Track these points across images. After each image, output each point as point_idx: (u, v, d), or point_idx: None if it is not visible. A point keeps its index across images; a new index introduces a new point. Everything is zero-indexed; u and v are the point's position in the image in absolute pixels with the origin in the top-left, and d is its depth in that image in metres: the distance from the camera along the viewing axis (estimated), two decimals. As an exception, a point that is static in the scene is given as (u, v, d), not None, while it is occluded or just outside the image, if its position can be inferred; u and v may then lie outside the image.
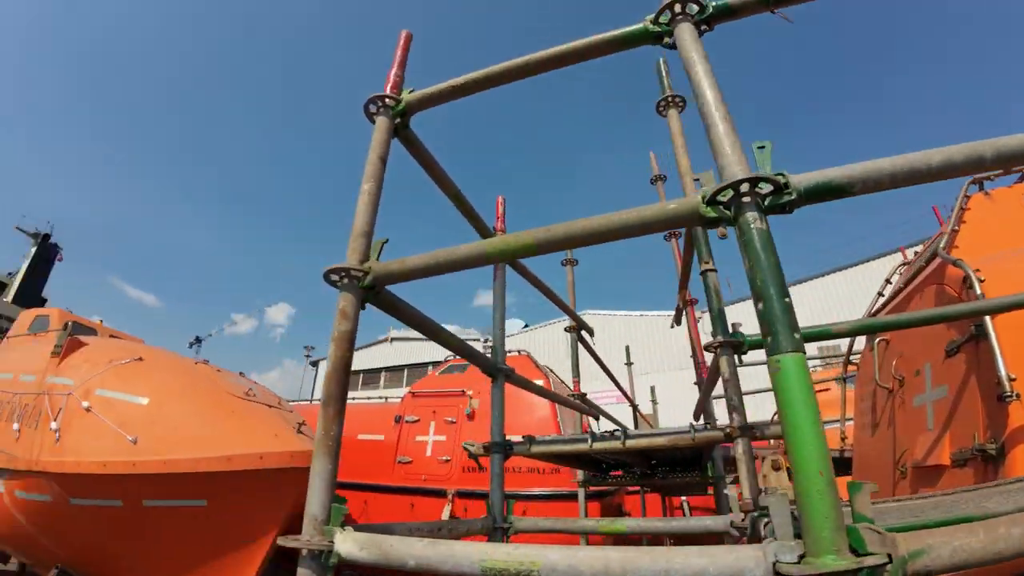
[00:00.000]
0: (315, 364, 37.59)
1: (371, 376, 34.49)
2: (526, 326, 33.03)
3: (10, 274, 40.88)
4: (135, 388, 6.22)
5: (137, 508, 5.64)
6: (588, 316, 27.33)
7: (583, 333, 6.78)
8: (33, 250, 39.29)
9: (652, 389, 13.79)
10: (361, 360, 35.06)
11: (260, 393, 7.48)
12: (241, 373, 8.74)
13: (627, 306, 30.47)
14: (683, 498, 7.95)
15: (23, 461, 6.03)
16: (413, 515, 8.02)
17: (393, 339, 34.58)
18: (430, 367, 30.56)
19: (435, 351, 32.33)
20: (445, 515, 7.55)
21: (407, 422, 9.45)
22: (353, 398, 12.86)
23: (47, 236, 40.80)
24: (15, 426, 6.73)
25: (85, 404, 6.11)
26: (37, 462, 5.88)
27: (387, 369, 33.72)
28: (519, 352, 10.23)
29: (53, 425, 6.12)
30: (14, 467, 6.07)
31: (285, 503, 5.51)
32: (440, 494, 7.93)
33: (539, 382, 7.75)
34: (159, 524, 5.68)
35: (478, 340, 30.72)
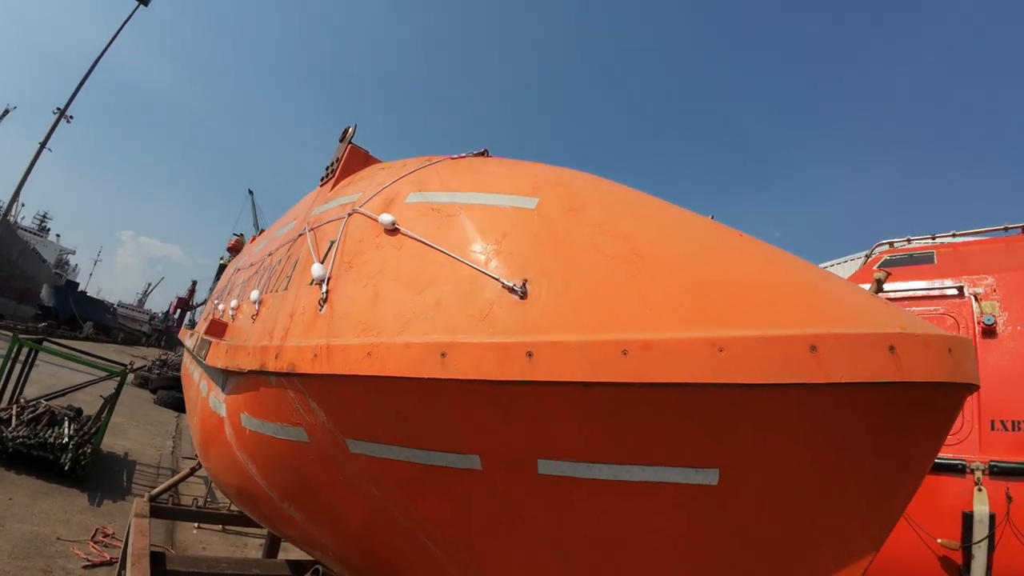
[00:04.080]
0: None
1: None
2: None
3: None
4: (502, 184, 2.17)
5: (524, 476, 1.50)
6: None
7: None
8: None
9: None
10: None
11: None
12: None
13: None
14: None
15: (252, 352, 2.39)
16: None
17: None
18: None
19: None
20: (979, 509, 3.97)
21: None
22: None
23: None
24: (253, 296, 3.32)
25: (387, 219, 2.21)
26: (280, 351, 2.13)
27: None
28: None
29: (316, 270, 2.33)
30: (238, 367, 2.49)
31: (927, 450, 1.34)
32: (953, 469, 4.36)
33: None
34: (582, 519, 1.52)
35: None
